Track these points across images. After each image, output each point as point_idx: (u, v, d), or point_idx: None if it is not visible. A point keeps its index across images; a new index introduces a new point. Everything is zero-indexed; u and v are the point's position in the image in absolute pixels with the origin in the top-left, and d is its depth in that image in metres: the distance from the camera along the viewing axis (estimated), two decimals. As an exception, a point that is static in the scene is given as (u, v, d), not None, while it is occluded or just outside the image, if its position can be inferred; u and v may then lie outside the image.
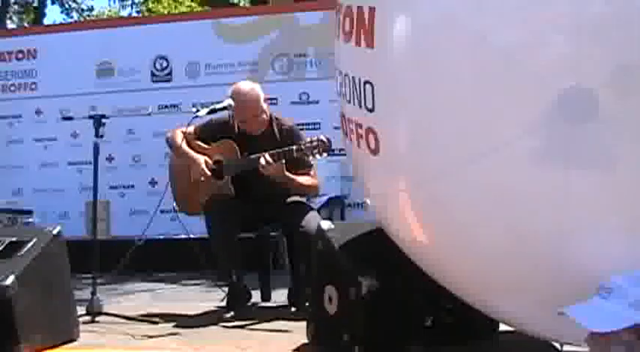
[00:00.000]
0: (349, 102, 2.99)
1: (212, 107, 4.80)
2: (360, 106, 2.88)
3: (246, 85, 4.92)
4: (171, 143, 5.05)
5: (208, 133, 5.00)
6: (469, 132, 2.54)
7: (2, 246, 3.83)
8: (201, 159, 4.88)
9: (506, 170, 2.50)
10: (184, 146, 4.94)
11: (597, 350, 2.05)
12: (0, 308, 3.54)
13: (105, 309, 4.62)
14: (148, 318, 4.57)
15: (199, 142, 4.99)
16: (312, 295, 3.79)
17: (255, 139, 4.86)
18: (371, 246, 3.50)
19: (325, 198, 7.27)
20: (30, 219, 7.55)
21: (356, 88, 2.90)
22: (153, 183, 8.12)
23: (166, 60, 8.41)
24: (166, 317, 4.64)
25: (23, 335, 3.58)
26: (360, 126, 2.92)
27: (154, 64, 8.43)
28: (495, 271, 2.74)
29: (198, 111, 4.79)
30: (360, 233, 3.66)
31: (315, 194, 5.25)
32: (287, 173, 4.72)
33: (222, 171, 4.88)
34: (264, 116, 4.88)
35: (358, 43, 2.87)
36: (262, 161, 4.63)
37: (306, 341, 3.76)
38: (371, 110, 2.82)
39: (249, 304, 4.94)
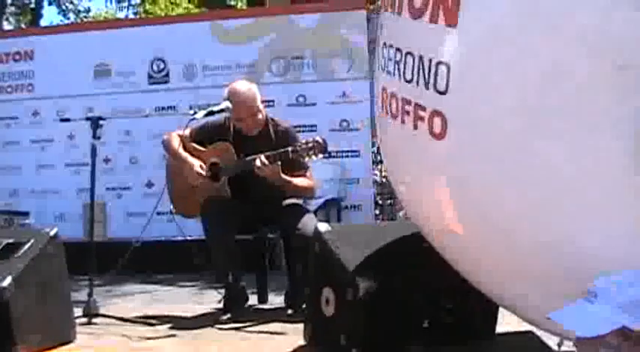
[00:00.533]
0: (409, 82, 2.83)
1: (209, 109, 4.82)
2: (427, 87, 2.73)
3: (242, 85, 4.92)
4: (167, 147, 5.05)
5: (204, 136, 5.00)
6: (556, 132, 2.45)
7: (-1, 248, 3.83)
8: (196, 163, 4.88)
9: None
10: (180, 150, 4.94)
11: None
12: (-3, 310, 3.54)
13: (101, 311, 4.61)
14: (145, 320, 4.57)
15: (195, 145, 4.99)
16: (309, 297, 3.79)
17: (251, 140, 4.87)
18: (369, 248, 3.51)
19: (322, 200, 7.27)
20: (27, 221, 7.54)
21: (423, 68, 2.76)
22: (149, 184, 8.12)
23: (163, 61, 8.40)
24: (163, 319, 4.64)
25: (20, 336, 3.57)
26: (423, 108, 2.77)
27: (151, 65, 8.42)
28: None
29: (195, 113, 4.80)
30: (357, 234, 3.67)
31: (311, 196, 5.25)
32: (283, 175, 4.72)
33: (219, 173, 4.87)
34: (260, 115, 4.89)
35: (434, 21, 2.71)
36: (258, 162, 4.63)
37: (303, 342, 3.76)
38: (443, 93, 2.68)
39: (246, 306, 4.94)
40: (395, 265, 3.43)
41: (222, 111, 4.82)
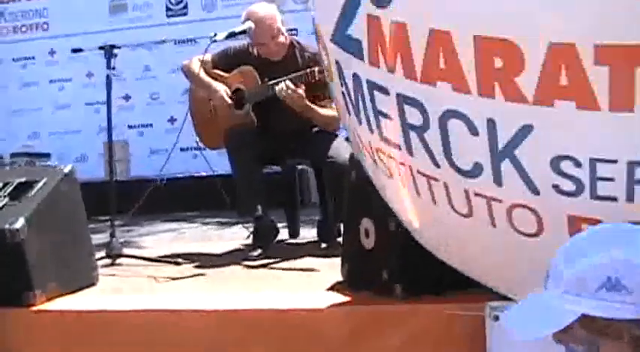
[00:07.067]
0: None
1: (230, 31, 4.58)
2: None
3: (260, 6, 4.70)
4: (187, 72, 4.83)
5: (226, 61, 4.79)
6: None
7: (11, 188, 3.67)
8: (221, 87, 4.67)
9: None
10: (202, 74, 4.71)
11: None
12: (11, 254, 3.41)
13: (125, 252, 4.48)
14: (171, 259, 4.43)
15: (217, 71, 4.77)
16: (346, 230, 3.59)
17: (276, 65, 4.65)
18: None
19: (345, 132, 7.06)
20: (48, 163, 7.42)
21: None
22: (172, 120, 7.93)
23: (181, -7, 8.19)
24: (190, 258, 4.50)
25: (36, 281, 3.44)
26: None
27: (169, -3, 8.22)
28: None
29: (215, 35, 4.56)
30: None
31: (334, 129, 4.95)
32: (307, 102, 4.50)
33: (243, 99, 4.67)
34: (282, 38, 4.65)
35: None
36: (282, 85, 4.42)
37: (340, 279, 3.55)
38: None
39: (277, 241, 4.75)
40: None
41: (244, 32, 4.59)
